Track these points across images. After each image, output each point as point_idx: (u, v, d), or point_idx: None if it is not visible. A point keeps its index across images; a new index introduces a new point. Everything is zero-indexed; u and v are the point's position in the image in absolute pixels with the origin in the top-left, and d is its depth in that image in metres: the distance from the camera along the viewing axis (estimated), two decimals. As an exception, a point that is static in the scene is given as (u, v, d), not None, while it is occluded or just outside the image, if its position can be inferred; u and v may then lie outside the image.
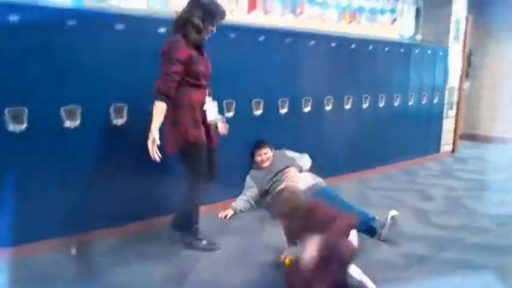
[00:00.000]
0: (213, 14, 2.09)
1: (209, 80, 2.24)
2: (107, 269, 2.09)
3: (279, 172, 2.95)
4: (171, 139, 2.11)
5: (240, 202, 2.97)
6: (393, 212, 2.48)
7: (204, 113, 2.19)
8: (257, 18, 3.51)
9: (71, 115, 2.28)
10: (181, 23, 2.07)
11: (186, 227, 2.31)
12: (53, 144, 2.25)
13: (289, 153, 3.18)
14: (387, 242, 2.43)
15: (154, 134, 1.97)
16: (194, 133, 2.10)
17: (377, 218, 2.53)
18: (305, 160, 3.18)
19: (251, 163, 3.10)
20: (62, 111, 2.25)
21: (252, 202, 3.00)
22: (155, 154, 1.97)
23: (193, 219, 2.30)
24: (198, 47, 2.15)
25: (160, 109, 2.00)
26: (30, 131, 2.16)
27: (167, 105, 2.01)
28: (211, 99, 2.25)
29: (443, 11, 4.86)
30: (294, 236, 1.94)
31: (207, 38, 2.15)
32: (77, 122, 2.31)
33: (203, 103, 2.18)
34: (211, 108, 2.23)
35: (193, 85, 2.11)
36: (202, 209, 2.51)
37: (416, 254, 2.28)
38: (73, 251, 2.27)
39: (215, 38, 2.76)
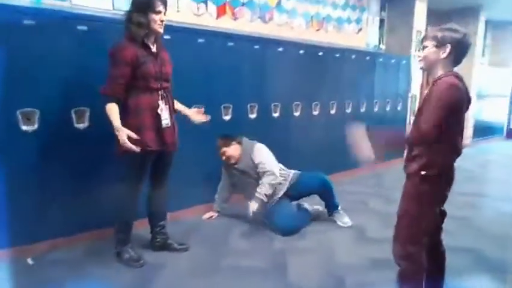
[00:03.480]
0: (149, 2, 1.95)
1: (166, 81, 2.10)
2: (62, 280, 1.99)
3: (245, 174, 2.82)
4: (117, 141, 1.99)
5: (217, 202, 2.98)
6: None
7: (158, 117, 2.04)
8: (226, 24, 3.51)
9: (28, 119, 2.16)
10: (125, 25, 1.99)
11: (115, 234, 2.21)
12: (7, 148, 2.12)
13: (258, 158, 2.80)
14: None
15: (119, 128, 1.92)
16: (137, 138, 1.97)
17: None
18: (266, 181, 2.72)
19: None
20: (19, 115, 2.13)
21: (228, 195, 3.01)
22: (128, 144, 1.89)
23: (120, 228, 2.18)
24: (148, 47, 2.02)
25: (112, 108, 1.96)
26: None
27: (118, 105, 1.97)
28: (165, 103, 2.08)
29: (405, 22, 5.10)
30: None
31: (159, 29, 2.00)
32: (35, 126, 2.19)
33: (155, 107, 2.03)
34: (164, 113, 2.07)
35: (142, 88, 2.00)
36: (170, 215, 2.48)
37: (383, 258, 2.32)
38: (30, 261, 2.16)
39: (182, 42, 2.76)
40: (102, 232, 2.44)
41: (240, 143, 2.83)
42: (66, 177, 2.33)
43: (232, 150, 2.81)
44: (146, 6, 1.95)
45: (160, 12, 1.98)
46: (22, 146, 2.16)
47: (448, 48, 1.49)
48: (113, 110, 1.96)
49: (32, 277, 2.03)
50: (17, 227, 2.16)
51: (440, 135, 1.43)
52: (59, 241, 2.32)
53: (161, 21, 1.99)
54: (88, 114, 2.36)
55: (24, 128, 2.16)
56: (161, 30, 2.02)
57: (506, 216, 3.15)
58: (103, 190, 2.40)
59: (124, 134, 1.91)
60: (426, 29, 5.21)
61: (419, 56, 1.65)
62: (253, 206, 2.61)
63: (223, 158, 2.84)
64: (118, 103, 1.97)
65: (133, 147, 1.91)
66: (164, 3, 2.01)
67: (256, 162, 2.76)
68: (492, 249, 2.49)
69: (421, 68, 1.63)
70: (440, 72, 1.53)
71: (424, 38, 1.58)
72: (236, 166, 2.83)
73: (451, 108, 1.43)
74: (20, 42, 2.10)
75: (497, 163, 5.54)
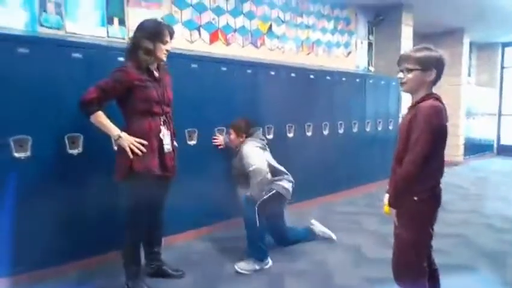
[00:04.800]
0: (159, 31, 2.00)
1: (168, 106, 2.13)
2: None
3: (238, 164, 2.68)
4: (118, 166, 2.00)
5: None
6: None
7: (160, 141, 2.05)
8: (219, 50, 3.59)
9: (21, 146, 2.15)
10: (131, 50, 2.02)
11: (124, 267, 2.10)
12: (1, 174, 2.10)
13: (245, 151, 2.59)
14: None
15: (118, 133, 1.93)
16: (141, 162, 1.96)
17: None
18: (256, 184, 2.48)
19: None
20: (11, 142, 2.13)
21: None
22: (135, 145, 1.92)
23: (131, 260, 2.09)
24: (152, 73, 2.05)
25: (102, 116, 1.94)
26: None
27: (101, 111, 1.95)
28: (166, 128, 2.10)
29: (393, 45, 5.27)
30: None
31: (164, 57, 2.06)
32: (28, 153, 2.18)
33: (158, 132, 2.04)
34: (166, 138, 2.08)
35: (144, 113, 2.00)
36: (164, 239, 2.43)
37: (378, 277, 2.30)
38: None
39: (177, 67, 2.82)
40: (94, 260, 2.40)
41: (246, 137, 2.74)
42: (59, 203, 2.30)
43: (233, 137, 2.78)
44: (155, 36, 1.99)
45: (167, 42, 2.04)
46: (14, 172, 2.14)
47: (434, 72, 1.50)
48: (103, 117, 1.94)
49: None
50: (6, 256, 2.10)
51: (428, 161, 1.44)
52: (49, 271, 2.26)
53: (167, 50, 2.05)
54: (81, 140, 2.37)
55: (16, 155, 2.15)
56: (165, 59, 2.07)
57: (499, 232, 3.15)
58: (97, 217, 2.38)
59: (128, 139, 1.92)
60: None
61: (400, 78, 1.58)
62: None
63: (229, 140, 2.87)
64: (99, 109, 1.94)
65: (141, 147, 1.93)
66: (172, 34, 2.08)
67: (242, 157, 2.58)
68: (487, 265, 2.48)
69: (403, 91, 1.60)
70: (422, 93, 1.53)
71: (403, 61, 1.54)
72: (236, 155, 2.73)
73: (439, 133, 1.46)
74: (14, 70, 2.12)
75: (489, 180, 5.59)
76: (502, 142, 8.15)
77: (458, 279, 2.25)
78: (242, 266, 2.44)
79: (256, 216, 2.43)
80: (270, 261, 2.52)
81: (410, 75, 1.53)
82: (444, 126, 1.49)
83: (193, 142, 2.96)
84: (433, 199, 1.55)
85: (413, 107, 1.54)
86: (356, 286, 2.24)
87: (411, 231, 1.55)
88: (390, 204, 1.58)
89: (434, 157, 1.47)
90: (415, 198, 1.51)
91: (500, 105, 8.07)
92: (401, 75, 1.58)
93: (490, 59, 7.95)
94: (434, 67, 1.50)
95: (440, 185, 1.57)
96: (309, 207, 3.79)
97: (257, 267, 2.44)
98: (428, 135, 1.43)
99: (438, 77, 1.54)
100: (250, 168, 2.48)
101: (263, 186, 2.50)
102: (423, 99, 1.51)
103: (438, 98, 1.52)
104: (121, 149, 1.96)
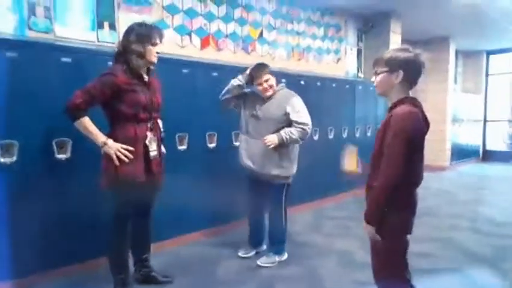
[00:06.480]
0: (149, 34, 1.99)
1: (156, 111, 2.09)
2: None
3: (266, 117, 2.55)
4: (104, 173, 1.96)
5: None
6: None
7: (146, 147, 2.01)
8: (210, 55, 3.60)
9: (7, 150, 2.12)
10: (121, 53, 1.98)
11: (112, 274, 2.07)
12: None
13: (297, 107, 2.62)
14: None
15: (103, 140, 1.89)
16: (126, 169, 1.92)
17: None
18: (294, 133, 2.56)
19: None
20: (-2, 147, 2.09)
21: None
22: (121, 152, 1.89)
23: (118, 268, 2.07)
24: (141, 77, 2.02)
25: (88, 122, 1.90)
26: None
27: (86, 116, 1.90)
28: (153, 134, 2.05)
29: (381, 52, 5.33)
30: None
31: (155, 60, 2.03)
32: (14, 158, 2.14)
33: (144, 138, 2.00)
34: (152, 144, 2.04)
35: (131, 118, 1.95)
36: (153, 245, 2.40)
37: (368, 281, 2.31)
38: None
39: (167, 72, 2.81)
40: (84, 266, 2.36)
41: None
42: (47, 209, 2.26)
43: (274, 81, 2.60)
44: (145, 38, 1.97)
45: (156, 44, 2.02)
46: (0, 178, 2.10)
47: (401, 73, 1.42)
48: (89, 123, 1.90)
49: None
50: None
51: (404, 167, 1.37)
52: (37, 277, 2.21)
53: (157, 52, 2.03)
54: (70, 145, 2.34)
55: (2, 160, 2.11)
56: (156, 61, 2.05)
57: (487, 236, 3.21)
58: (87, 223, 2.34)
59: (114, 146, 1.89)
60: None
61: (372, 82, 1.54)
62: (273, 139, 2.44)
63: (267, 87, 2.54)
64: (85, 115, 1.90)
65: (128, 154, 1.90)
66: (161, 36, 2.07)
67: (290, 111, 2.55)
68: (475, 268, 2.52)
69: (378, 95, 1.55)
70: (395, 96, 1.47)
71: (376, 64, 1.50)
72: (263, 104, 2.58)
73: (413, 138, 1.38)
74: (1, 74, 2.08)
75: (475, 185, 5.69)
76: (488, 147, 8.31)
77: (445, 283, 2.28)
78: (264, 261, 2.60)
79: (283, 212, 2.64)
80: (286, 254, 2.70)
81: (378, 78, 1.49)
82: (420, 132, 1.42)
83: (183, 147, 2.94)
84: (409, 207, 1.49)
85: (389, 111, 1.48)
86: (346, 291, 2.25)
87: (387, 240, 1.48)
88: (368, 222, 1.49)
89: (408, 163, 1.38)
90: (389, 206, 1.44)
91: (486, 112, 8.24)
92: (373, 78, 1.54)
93: (476, 67, 8.14)
94: (400, 68, 1.42)
95: (416, 192, 1.52)
96: (300, 212, 3.80)
97: (277, 259, 2.62)
98: (402, 140, 1.36)
99: (410, 78, 1.45)
100: (305, 127, 2.62)
101: (295, 145, 2.71)
102: (398, 104, 1.45)
103: (414, 102, 1.44)
104: (107, 156, 1.92)
